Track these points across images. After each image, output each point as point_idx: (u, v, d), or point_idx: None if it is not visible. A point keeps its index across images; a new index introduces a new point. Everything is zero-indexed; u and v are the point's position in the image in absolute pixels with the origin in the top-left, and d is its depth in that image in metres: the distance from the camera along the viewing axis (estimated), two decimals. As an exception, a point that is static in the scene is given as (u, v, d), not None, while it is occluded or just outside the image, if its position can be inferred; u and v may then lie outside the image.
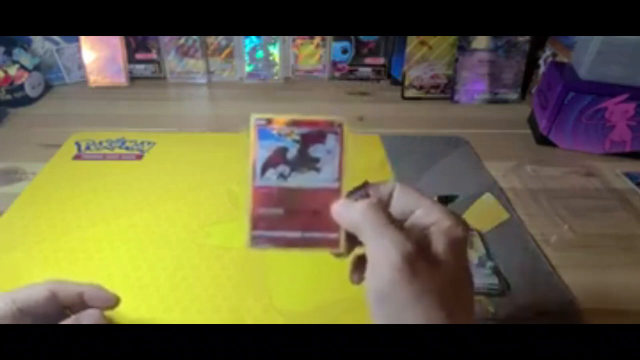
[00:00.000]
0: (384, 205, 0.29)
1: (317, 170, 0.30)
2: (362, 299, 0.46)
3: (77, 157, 0.68)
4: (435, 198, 0.61)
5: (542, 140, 0.75)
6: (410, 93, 0.92)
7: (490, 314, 0.45)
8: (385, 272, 0.25)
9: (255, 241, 0.31)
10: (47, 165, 0.66)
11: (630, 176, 0.67)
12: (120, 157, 0.69)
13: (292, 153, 0.30)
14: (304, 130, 0.30)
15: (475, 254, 0.52)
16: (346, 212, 0.29)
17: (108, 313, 0.45)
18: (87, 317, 0.38)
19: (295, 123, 0.30)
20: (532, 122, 0.80)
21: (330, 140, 0.30)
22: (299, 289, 0.48)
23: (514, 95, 0.91)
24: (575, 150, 0.73)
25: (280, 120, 0.30)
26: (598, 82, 0.68)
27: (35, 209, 0.57)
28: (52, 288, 0.38)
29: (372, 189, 0.31)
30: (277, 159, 0.30)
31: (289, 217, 0.30)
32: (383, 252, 0.26)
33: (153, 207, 0.58)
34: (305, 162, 0.30)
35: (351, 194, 0.31)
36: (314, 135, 0.30)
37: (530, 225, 0.57)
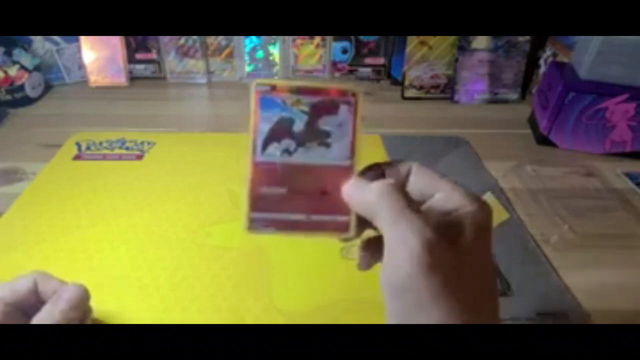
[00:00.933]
0: (402, 187, 0.26)
1: (327, 145, 0.27)
2: (362, 299, 0.46)
3: (77, 157, 0.68)
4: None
5: (543, 140, 0.75)
6: (410, 93, 0.92)
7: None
8: (403, 261, 0.23)
9: (255, 224, 0.27)
10: (47, 166, 0.66)
11: (630, 176, 0.67)
12: (120, 157, 0.69)
13: (298, 126, 0.27)
14: (313, 99, 0.27)
15: (475, 254, 0.52)
16: (359, 193, 0.26)
17: (108, 314, 0.45)
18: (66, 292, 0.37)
19: (303, 91, 0.27)
20: (532, 122, 0.80)
21: (343, 111, 0.27)
22: (300, 289, 0.48)
23: (514, 95, 0.91)
24: (576, 150, 0.73)
25: (286, 86, 0.27)
26: (598, 82, 0.68)
27: (36, 209, 0.57)
28: (36, 278, 0.38)
29: (388, 169, 0.28)
30: (281, 132, 0.27)
31: (293, 197, 0.27)
32: (402, 240, 0.23)
33: (153, 207, 0.58)
34: (313, 136, 0.27)
35: (364, 173, 0.28)
36: (324, 105, 0.27)
37: (531, 225, 0.57)
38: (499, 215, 0.58)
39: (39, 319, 0.36)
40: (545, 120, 0.73)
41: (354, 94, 0.27)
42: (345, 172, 0.27)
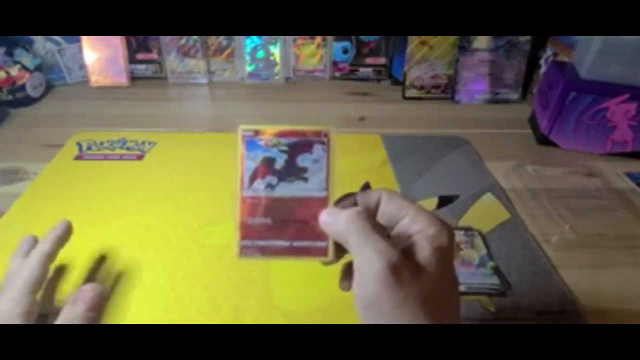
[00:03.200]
0: (370, 214, 0.29)
1: (305, 180, 0.30)
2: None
3: (78, 157, 0.69)
4: (436, 198, 0.61)
5: (543, 140, 0.75)
6: (411, 93, 0.92)
7: (491, 314, 0.45)
8: (370, 281, 0.26)
9: (245, 251, 0.31)
10: (48, 166, 0.66)
11: (631, 176, 0.67)
12: (121, 157, 0.69)
13: (279, 163, 0.30)
14: (291, 140, 0.30)
15: (476, 253, 0.52)
16: (333, 221, 0.29)
17: (109, 314, 0.45)
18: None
19: (282, 134, 0.30)
20: (533, 122, 0.80)
21: (317, 149, 0.30)
22: (300, 289, 0.48)
23: (514, 95, 0.91)
24: (576, 150, 0.73)
25: (267, 131, 0.31)
26: (599, 81, 0.68)
27: (37, 209, 0.58)
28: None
29: (360, 196, 0.31)
30: (264, 169, 0.31)
31: (278, 226, 0.30)
32: (367, 261, 0.26)
33: (154, 207, 0.59)
34: (292, 172, 0.30)
35: (339, 202, 0.31)
36: (300, 145, 0.30)
37: (531, 225, 0.57)
38: (500, 215, 0.58)
39: (61, 320, 0.38)
40: (546, 120, 0.73)
41: (326, 134, 0.30)
42: (322, 202, 0.30)
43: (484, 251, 0.52)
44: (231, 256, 0.51)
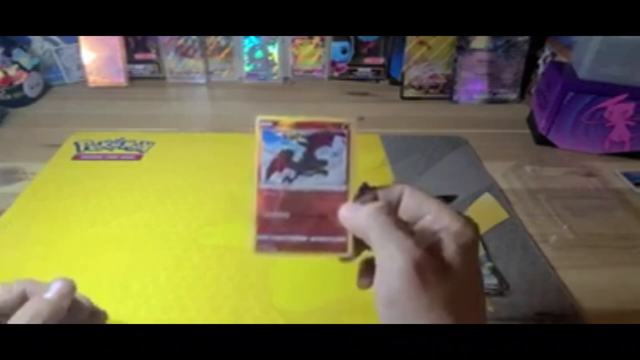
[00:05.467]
0: (392, 209, 0.28)
1: (324, 173, 0.30)
2: (362, 300, 0.46)
3: (76, 157, 0.68)
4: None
5: (541, 140, 0.75)
6: (409, 93, 0.92)
7: (489, 314, 0.45)
8: (393, 279, 0.25)
9: (261, 246, 0.30)
10: (46, 166, 0.66)
11: (629, 176, 0.67)
12: (119, 157, 0.69)
13: (297, 156, 0.30)
14: (310, 132, 0.30)
15: (474, 253, 0.52)
16: (353, 216, 0.28)
17: (108, 314, 0.45)
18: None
19: (300, 125, 0.30)
20: (531, 122, 0.80)
21: (337, 142, 0.30)
22: (299, 289, 0.48)
23: (513, 95, 0.91)
24: (575, 150, 0.73)
25: (285, 122, 0.30)
26: (597, 82, 0.68)
27: (35, 209, 0.57)
28: (26, 286, 0.36)
29: (381, 192, 0.30)
30: (282, 162, 0.30)
31: (295, 221, 0.30)
32: (390, 258, 0.25)
33: (152, 207, 0.58)
34: (311, 165, 0.30)
35: (359, 197, 0.30)
36: (320, 137, 0.29)
37: (530, 225, 0.57)
38: (498, 215, 0.58)
39: (24, 312, 0.34)
40: (544, 120, 0.73)
41: (346, 126, 0.30)
42: (341, 196, 0.30)
43: (482, 251, 0.52)
44: (231, 256, 0.51)
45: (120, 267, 0.50)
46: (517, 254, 0.53)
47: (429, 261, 0.25)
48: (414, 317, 0.24)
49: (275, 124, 0.30)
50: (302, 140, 0.30)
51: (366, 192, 0.30)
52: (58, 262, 0.50)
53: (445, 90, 0.92)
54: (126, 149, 0.70)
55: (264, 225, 0.30)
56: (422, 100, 0.92)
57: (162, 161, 0.68)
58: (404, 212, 0.29)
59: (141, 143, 0.72)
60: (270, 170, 0.30)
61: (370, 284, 0.29)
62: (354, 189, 0.30)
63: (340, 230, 0.29)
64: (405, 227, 0.27)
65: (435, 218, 0.27)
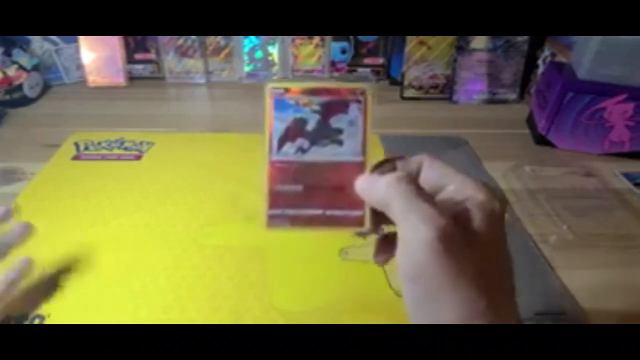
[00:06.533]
0: (413, 179, 0.26)
1: (339, 143, 0.28)
2: (361, 300, 0.46)
3: (76, 157, 0.68)
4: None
5: (541, 140, 0.75)
6: (409, 93, 0.92)
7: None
8: (417, 251, 0.23)
9: (273, 220, 0.28)
10: (46, 166, 0.66)
11: (628, 176, 0.67)
12: (119, 158, 0.69)
13: (311, 125, 0.28)
14: (324, 99, 0.28)
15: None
16: (372, 187, 0.27)
17: (108, 313, 0.45)
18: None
19: (314, 92, 0.28)
20: (530, 122, 0.80)
21: (353, 109, 0.28)
22: (299, 289, 0.48)
23: (512, 96, 0.91)
24: (574, 150, 0.73)
25: (298, 88, 0.28)
26: (597, 82, 0.68)
27: (35, 210, 0.57)
28: None
29: (399, 163, 0.28)
30: (295, 131, 0.28)
31: (309, 193, 0.28)
32: (413, 229, 0.23)
33: (152, 207, 0.58)
34: (325, 134, 0.28)
35: (376, 168, 0.28)
36: (335, 104, 0.28)
37: (529, 225, 0.57)
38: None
39: None
40: (543, 121, 0.73)
41: (363, 93, 0.28)
42: (358, 167, 0.28)
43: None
44: (230, 257, 0.51)
45: (120, 267, 0.50)
46: (517, 254, 0.52)
47: (455, 231, 0.23)
48: (440, 291, 0.23)
49: (287, 90, 0.28)
50: (316, 107, 0.28)
51: (383, 163, 0.29)
52: (56, 262, 0.50)
53: (445, 90, 0.92)
54: (126, 149, 0.70)
55: (276, 199, 0.28)
56: (422, 100, 0.92)
57: (162, 161, 0.68)
58: (423, 184, 0.27)
59: (141, 143, 0.72)
60: (283, 140, 0.28)
61: (387, 260, 0.28)
62: (371, 159, 0.28)
63: (357, 203, 0.28)
64: (428, 197, 0.25)
65: (458, 188, 0.26)
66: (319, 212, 0.28)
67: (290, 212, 0.28)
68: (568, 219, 0.58)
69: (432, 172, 0.27)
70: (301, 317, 0.45)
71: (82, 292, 0.47)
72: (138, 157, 0.69)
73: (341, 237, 0.54)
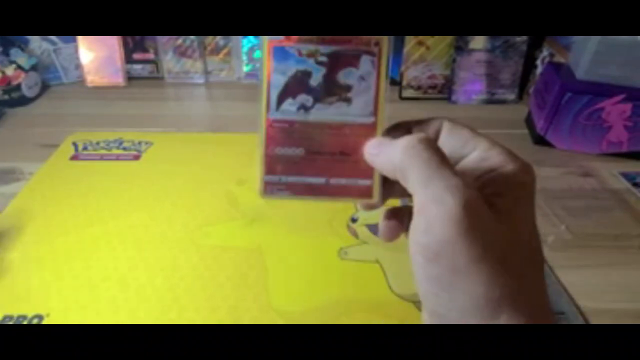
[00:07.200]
0: (433, 142, 0.23)
1: (348, 101, 0.25)
2: (359, 300, 0.46)
3: (74, 157, 0.68)
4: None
5: (539, 140, 0.75)
6: (407, 93, 0.92)
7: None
8: (439, 225, 0.20)
9: (270, 188, 0.25)
10: (44, 166, 0.66)
11: (626, 176, 0.67)
12: (117, 158, 0.68)
13: (316, 79, 0.24)
14: (332, 49, 0.24)
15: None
16: (385, 152, 0.23)
17: (105, 313, 0.45)
18: None
19: (320, 40, 0.24)
20: (529, 122, 0.80)
21: (365, 63, 0.24)
22: (297, 289, 0.48)
23: (511, 96, 0.91)
24: (572, 150, 0.73)
25: (302, 37, 0.24)
26: (595, 82, 0.68)
27: (32, 210, 0.57)
28: None
29: (415, 126, 0.25)
30: (297, 86, 0.24)
31: (311, 158, 0.25)
32: (436, 200, 0.20)
33: (151, 207, 0.58)
34: (332, 90, 0.24)
35: (389, 131, 0.25)
36: (344, 56, 0.24)
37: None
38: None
39: None
40: (542, 121, 0.74)
41: (377, 43, 0.25)
42: (368, 130, 0.25)
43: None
44: (229, 257, 0.51)
45: (119, 267, 0.50)
46: (515, 254, 0.53)
47: (482, 205, 0.20)
48: (462, 272, 0.20)
49: (288, 39, 0.25)
50: (322, 59, 0.24)
51: (396, 127, 0.26)
52: (55, 262, 0.50)
53: (443, 90, 0.92)
54: (124, 149, 0.70)
55: (273, 163, 0.25)
56: (421, 100, 0.92)
57: (161, 161, 0.68)
58: (443, 150, 0.23)
59: (139, 143, 0.72)
60: (283, 96, 0.25)
61: (395, 237, 0.25)
62: (383, 121, 0.25)
63: (365, 171, 0.25)
64: (451, 164, 0.22)
65: (484, 156, 0.23)
66: (321, 180, 0.25)
67: (290, 179, 0.25)
68: (566, 219, 0.58)
69: (453, 137, 0.24)
70: (299, 317, 0.45)
71: (81, 292, 0.47)
72: (137, 157, 0.69)
73: (340, 236, 0.54)
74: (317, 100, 0.25)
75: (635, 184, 0.66)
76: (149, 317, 0.45)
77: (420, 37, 0.88)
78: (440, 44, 0.89)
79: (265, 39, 0.25)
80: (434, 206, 0.20)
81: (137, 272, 0.49)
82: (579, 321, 0.45)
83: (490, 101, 0.91)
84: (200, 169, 0.66)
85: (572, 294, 0.48)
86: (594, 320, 0.45)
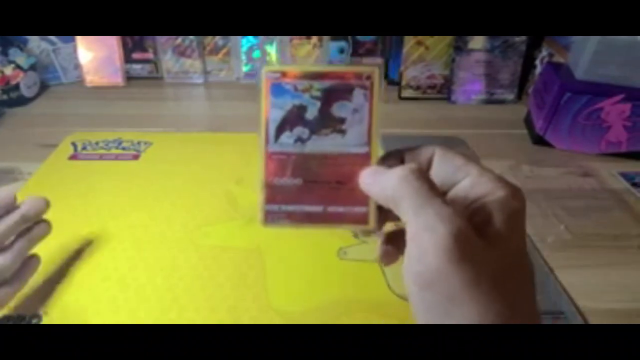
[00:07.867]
0: (425, 172, 0.24)
1: (342, 132, 0.26)
2: (359, 301, 0.46)
3: (73, 157, 0.68)
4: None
5: (539, 140, 0.75)
6: (407, 93, 0.92)
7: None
8: (430, 254, 0.20)
9: (271, 217, 0.26)
10: (43, 165, 0.66)
11: (625, 176, 0.68)
12: (116, 157, 0.68)
13: (311, 113, 0.26)
14: (326, 84, 0.25)
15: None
16: (378, 181, 0.24)
17: (105, 313, 0.44)
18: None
19: (314, 76, 0.25)
20: (528, 122, 0.80)
21: (358, 96, 0.25)
22: (297, 289, 0.48)
23: (510, 96, 0.92)
24: (572, 150, 0.74)
25: (296, 72, 0.25)
26: (594, 82, 0.68)
27: (32, 209, 0.57)
28: None
29: (408, 154, 0.26)
30: (294, 119, 0.26)
31: (309, 188, 0.26)
32: (429, 229, 0.21)
33: (150, 207, 0.58)
34: (327, 123, 0.26)
35: (383, 160, 0.26)
36: (337, 90, 0.25)
37: (527, 226, 0.57)
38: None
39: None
40: (541, 121, 0.74)
41: (369, 77, 0.26)
42: (362, 159, 0.26)
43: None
44: (228, 257, 0.51)
45: (118, 267, 0.50)
46: (515, 254, 0.53)
47: (473, 233, 0.21)
48: (455, 300, 0.21)
49: (284, 74, 0.26)
50: (317, 94, 0.26)
51: (390, 155, 0.27)
52: (54, 261, 0.50)
53: (443, 90, 0.92)
54: (123, 149, 0.70)
55: (273, 193, 0.26)
56: (420, 100, 0.92)
57: (160, 161, 0.68)
58: (434, 178, 0.25)
59: (139, 143, 0.72)
60: (280, 129, 0.26)
61: (393, 261, 0.26)
62: (377, 151, 0.26)
63: (361, 199, 0.26)
64: (442, 194, 0.23)
65: (474, 183, 0.24)
66: (319, 208, 0.26)
67: (289, 207, 0.26)
68: (566, 219, 0.58)
69: (445, 165, 0.25)
70: (299, 317, 0.45)
71: (79, 292, 0.47)
72: (136, 157, 0.69)
73: (340, 236, 0.54)
74: (313, 132, 0.26)
75: (634, 184, 0.66)
76: (148, 317, 0.45)
77: (420, 37, 0.88)
78: (439, 44, 0.89)
79: (263, 74, 0.26)
80: (426, 234, 0.21)
81: (136, 272, 0.49)
82: (579, 321, 0.45)
83: (489, 101, 0.91)
84: (199, 168, 0.66)
85: (571, 294, 0.48)
86: (594, 320, 0.45)
